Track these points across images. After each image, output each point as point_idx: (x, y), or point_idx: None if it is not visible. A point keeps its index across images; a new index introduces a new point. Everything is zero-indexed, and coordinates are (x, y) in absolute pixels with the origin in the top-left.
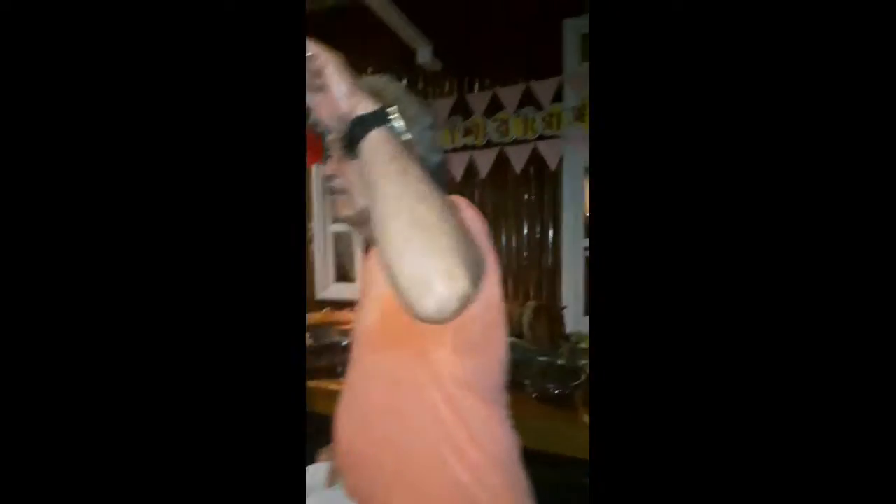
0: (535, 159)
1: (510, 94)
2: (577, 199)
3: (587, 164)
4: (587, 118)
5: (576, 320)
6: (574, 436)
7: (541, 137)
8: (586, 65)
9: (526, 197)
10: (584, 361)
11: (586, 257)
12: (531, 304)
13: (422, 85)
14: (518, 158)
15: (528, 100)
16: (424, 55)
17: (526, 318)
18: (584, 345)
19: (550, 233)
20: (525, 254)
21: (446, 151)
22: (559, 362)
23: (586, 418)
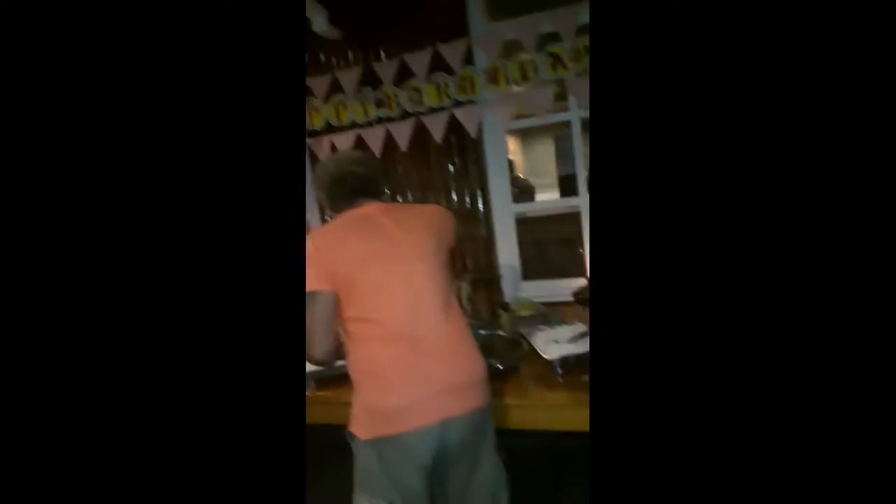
0: (454, 127)
1: (419, 60)
2: (500, 165)
3: (507, 127)
4: (501, 80)
5: (513, 288)
6: (527, 409)
7: (457, 104)
8: (493, 24)
9: (450, 167)
10: (526, 330)
11: (517, 221)
12: (468, 276)
13: (323, 57)
14: (437, 127)
15: (438, 64)
16: (320, 23)
17: (464, 292)
18: (524, 313)
19: (480, 202)
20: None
21: (360, 125)
22: (500, 333)
23: (533, 390)
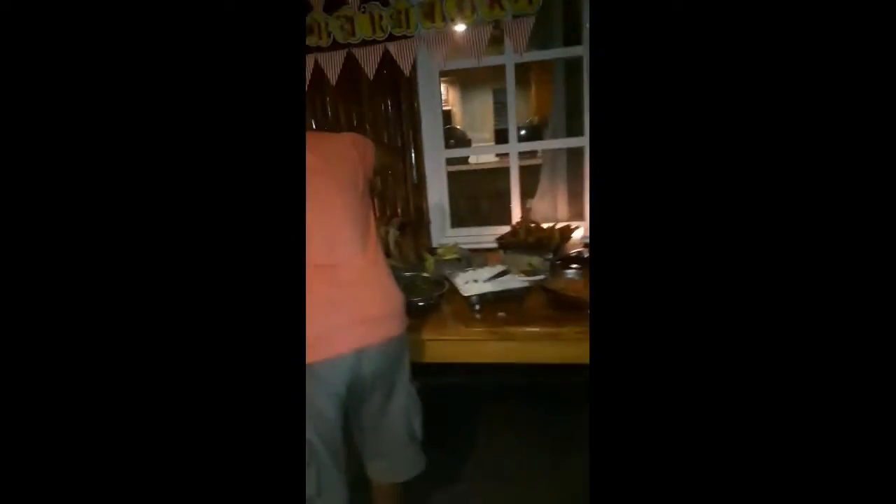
0: (387, 63)
1: None
2: (434, 107)
3: (441, 67)
4: (438, 17)
5: (441, 233)
6: (445, 343)
7: (391, 38)
8: None
9: (382, 107)
10: (449, 271)
11: (451, 175)
12: (396, 221)
13: None
14: (369, 61)
15: None
16: None
17: (392, 237)
18: (449, 256)
19: (411, 145)
20: (388, 170)
21: None
22: (424, 275)
23: (451, 325)
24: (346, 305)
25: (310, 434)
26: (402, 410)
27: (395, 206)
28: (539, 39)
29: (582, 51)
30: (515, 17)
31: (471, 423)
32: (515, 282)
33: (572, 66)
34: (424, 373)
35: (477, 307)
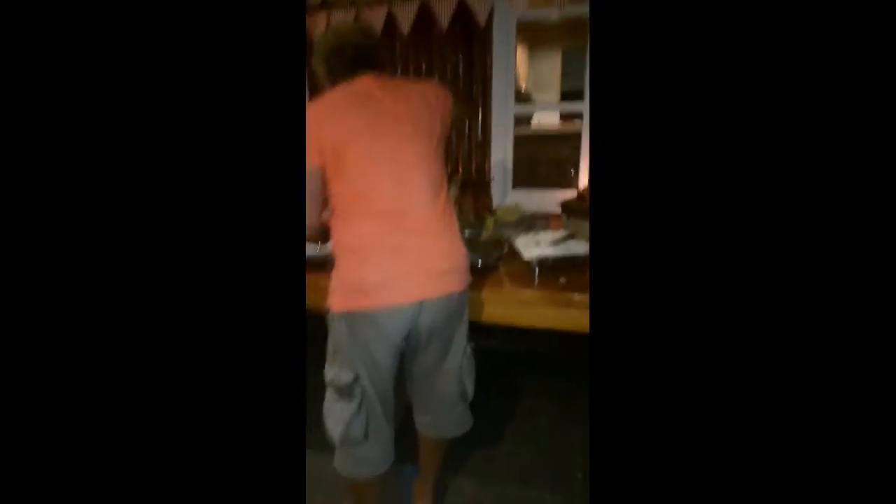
0: (462, 15)
1: None
2: (507, 62)
3: (518, 19)
4: None
5: (502, 194)
6: (500, 304)
7: None
8: None
9: (453, 59)
10: (509, 233)
11: (516, 140)
12: (458, 177)
13: None
14: (443, 11)
15: None
16: None
17: (452, 192)
18: (510, 218)
19: (480, 101)
20: (463, 122)
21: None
22: (484, 235)
23: (508, 287)
24: (410, 255)
25: (363, 380)
26: (456, 369)
27: (456, 162)
28: None
29: None
30: None
31: (508, 387)
32: (581, 247)
33: None
34: (472, 333)
35: (536, 270)
